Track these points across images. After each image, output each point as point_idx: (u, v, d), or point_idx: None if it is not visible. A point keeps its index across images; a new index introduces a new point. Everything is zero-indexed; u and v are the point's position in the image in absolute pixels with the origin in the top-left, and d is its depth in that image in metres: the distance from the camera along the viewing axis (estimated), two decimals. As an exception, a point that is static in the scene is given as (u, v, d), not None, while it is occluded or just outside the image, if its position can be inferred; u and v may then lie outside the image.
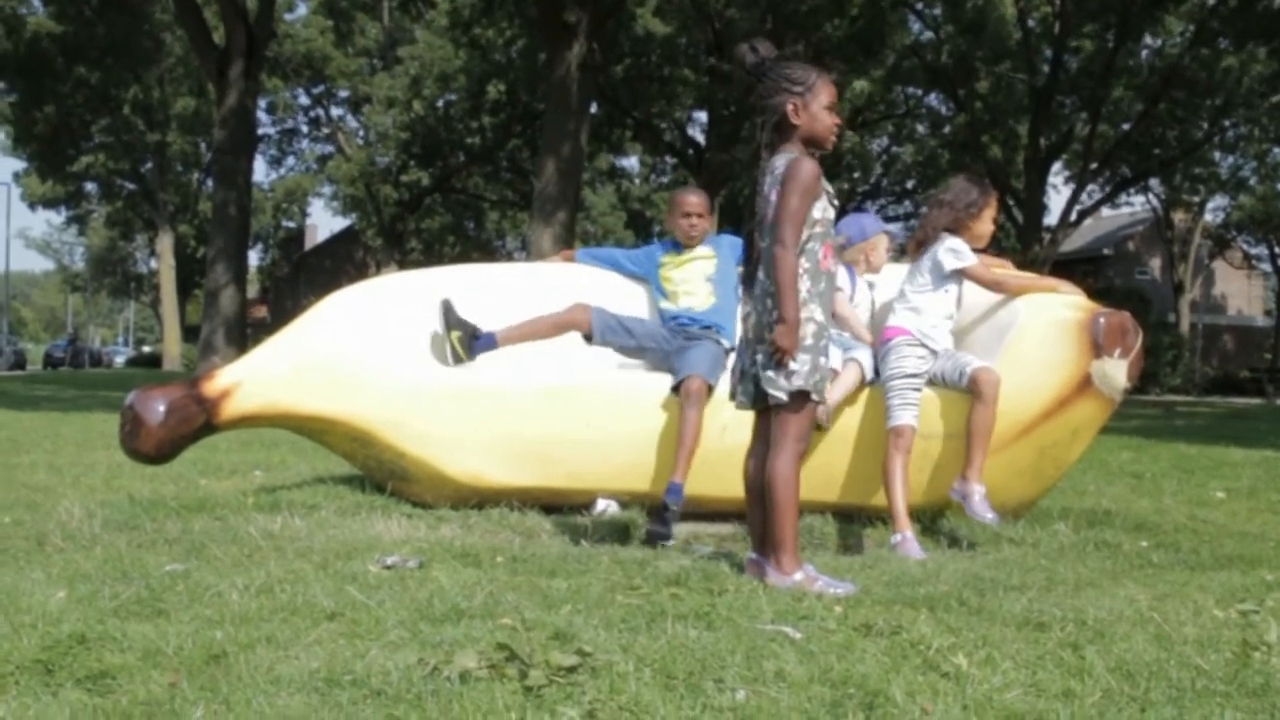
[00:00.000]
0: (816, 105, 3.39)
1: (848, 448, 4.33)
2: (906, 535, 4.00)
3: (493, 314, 4.97)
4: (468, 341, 4.49)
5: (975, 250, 4.44)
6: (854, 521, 4.39)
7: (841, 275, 4.79)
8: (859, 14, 24.70)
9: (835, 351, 4.37)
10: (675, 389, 4.29)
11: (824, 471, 4.28)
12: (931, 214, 4.51)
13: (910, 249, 4.59)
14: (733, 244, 4.94)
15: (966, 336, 4.62)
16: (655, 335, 4.67)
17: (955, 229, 4.40)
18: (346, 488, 4.77)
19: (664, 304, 4.87)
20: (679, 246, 4.96)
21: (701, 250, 4.91)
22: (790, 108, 3.38)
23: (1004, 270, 4.71)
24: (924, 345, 4.28)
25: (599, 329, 4.58)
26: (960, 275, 4.38)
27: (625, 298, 5.09)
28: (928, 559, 3.78)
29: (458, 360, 4.45)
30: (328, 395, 4.44)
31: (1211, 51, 26.39)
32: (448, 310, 4.51)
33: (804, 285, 3.31)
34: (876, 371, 4.45)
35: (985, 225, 4.45)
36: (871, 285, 4.95)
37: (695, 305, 4.78)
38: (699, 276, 4.84)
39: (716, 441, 4.31)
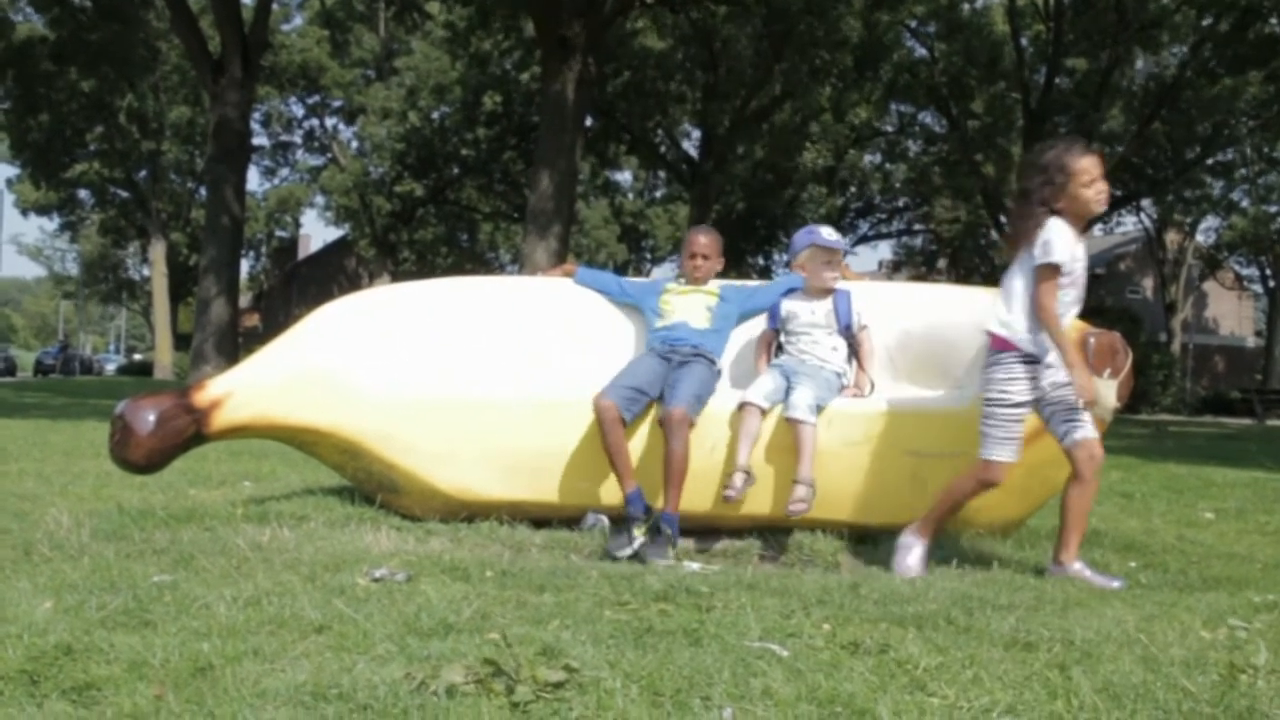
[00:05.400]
0: None
1: (840, 465, 4.32)
2: (924, 544, 3.93)
3: (485, 327, 4.97)
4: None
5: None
6: (844, 538, 4.38)
7: (796, 304, 4.71)
8: (854, 35, 24.82)
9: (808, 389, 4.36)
10: (662, 422, 4.27)
11: (820, 488, 4.27)
12: (1024, 187, 3.91)
13: (1007, 244, 4.07)
14: (739, 292, 4.94)
15: (958, 355, 4.62)
16: (659, 377, 4.48)
17: (1051, 202, 3.81)
18: (336, 499, 4.76)
19: (657, 323, 4.81)
20: (681, 284, 4.99)
21: (707, 287, 4.90)
22: None
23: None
24: (1035, 361, 3.84)
25: (626, 410, 4.29)
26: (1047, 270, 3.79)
27: (613, 316, 5.10)
28: (919, 576, 3.78)
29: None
30: (318, 407, 4.44)
31: (1205, 76, 26.54)
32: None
33: None
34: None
35: (1086, 194, 3.81)
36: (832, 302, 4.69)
37: (691, 323, 4.73)
38: (700, 305, 4.81)
39: (706, 459, 4.32)
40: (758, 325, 4.91)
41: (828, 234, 4.69)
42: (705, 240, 4.94)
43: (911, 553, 3.90)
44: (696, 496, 4.32)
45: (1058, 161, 3.80)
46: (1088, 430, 3.84)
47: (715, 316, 4.80)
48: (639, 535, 4.06)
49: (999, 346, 3.88)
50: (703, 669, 2.40)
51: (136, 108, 40.94)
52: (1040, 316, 3.78)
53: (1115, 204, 35.54)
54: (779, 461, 4.31)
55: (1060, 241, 3.75)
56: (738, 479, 4.17)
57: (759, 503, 4.36)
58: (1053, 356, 3.81)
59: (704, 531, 4.50)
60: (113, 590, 3.05)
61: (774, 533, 4.43)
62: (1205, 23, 24.57)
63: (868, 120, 34.01)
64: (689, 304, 4.83)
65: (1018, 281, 3.86)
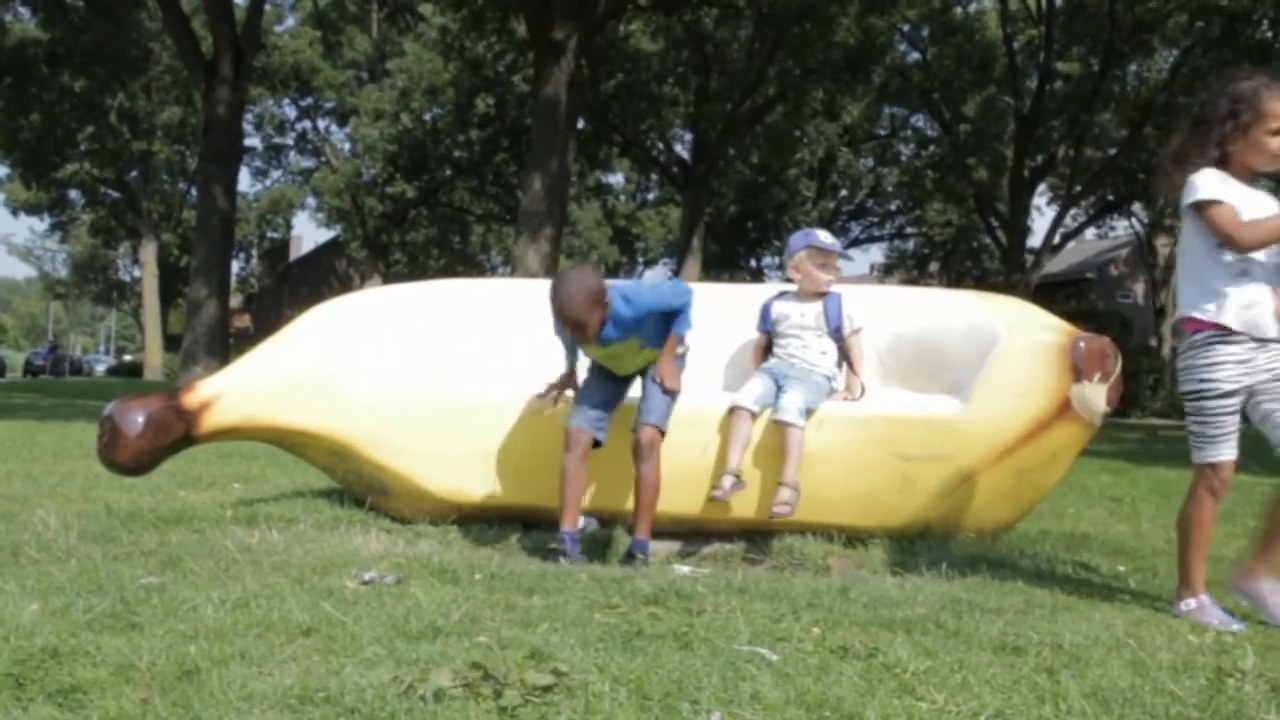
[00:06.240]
0: None
1: (831, 468, 4.32)
2: (1202, 600, 3.34)
3: (476, 329, 4.96)
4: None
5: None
6: (834, 541, 4.38)
7: (787, 304, 4.73)
8: (848, 35, 24.86)
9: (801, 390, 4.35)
10: (633, 447, 4.16)
11: (806, 492, 4.27)
12: (1203, 113, 3.36)
13: (1166, 175, 3.45)
14: (653, 313, 4.10)
15: (949, 359, 4.62)
16: (623, 387, 4.35)
17: (1226, 142, 3.28)
18: (325, 502, 4.75)
19: (605, 365, 4.33)
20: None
21: (619, 344, 4.14)
22: None
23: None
24: (1246, 339, 3.26)
25: (598, 431, 4.19)
26: (1202, 213, 3.25)
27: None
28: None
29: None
30: (308, 409, 4.43)
31: (1196, 81, 26.62)
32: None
33: None
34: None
35: (1269, 144, 3.23)
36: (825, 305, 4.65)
37: (637, 369, 4.31)
38: (626, 356, 4.24)
39: (698, 459, 4.31)
40: (751, 329, 4.91)
41: (824, 236, 4.71)
42: (578, 313, 3.91)
43: (1203, 613, 3.30)
44: (687, 498, 4.31)
45: (1252, 96, 3.24)
46: None
47: (642, 342, 4.18)
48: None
49: (1193, 328, 3.33)
50: (692, 673, 2.39)
51: (128, 108, 40.82)
52: (1240, 242, 3.18)
53: (1106, 208, 35.68)
54: (770, 465, 4.30)
55: (1207, 181, 3.24)
56: (726, 481, 4.17)
57: (749, 506, 4.36)
58: (1273, 329, 3.25)
59: (693, 534, 4.50)
60: (100, 592, 3.03)
61: (763, 536, 4.43)
62: (1198, 25, 24.62)
63: (859, 119, 34.07)
64: (618, 360, 4.27)
65: (1188, 251, 3.35)
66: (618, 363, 4.28)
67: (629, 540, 4.24)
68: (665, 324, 4.18)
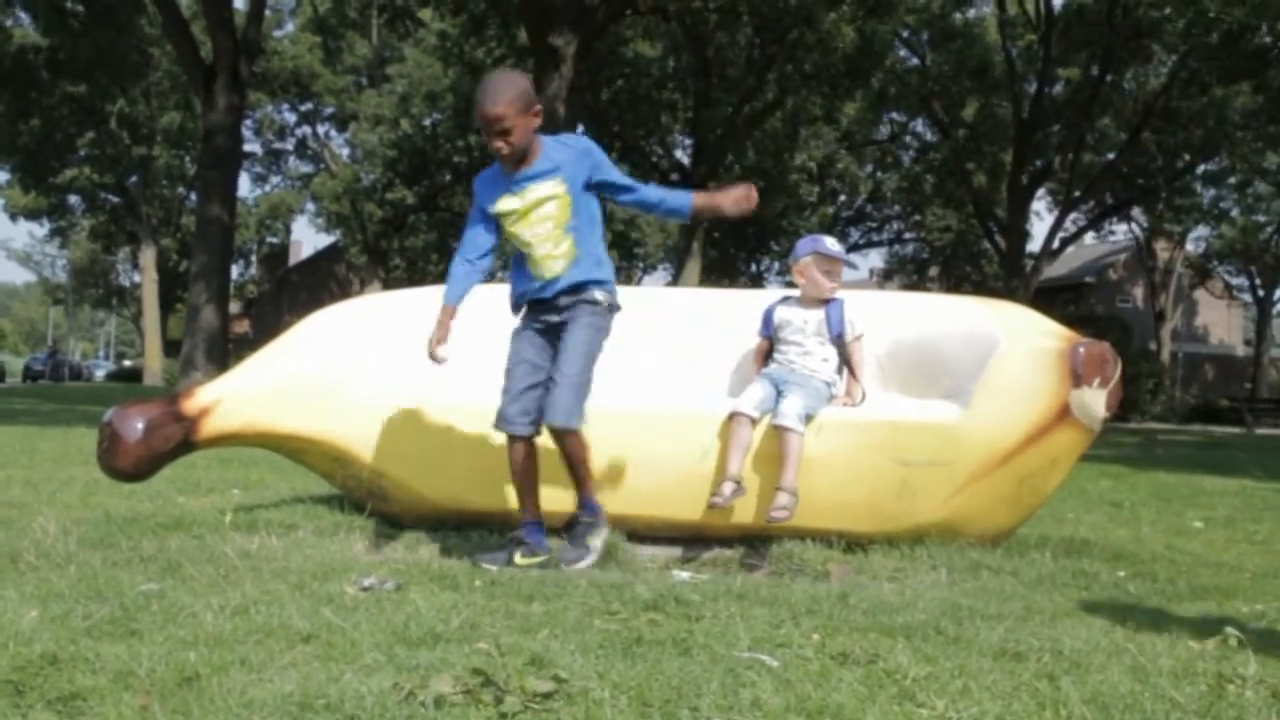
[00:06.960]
0: None
1: (830, 474, 4.31)
2: None
3: (476, 335, 4.96)
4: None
5: None
6: (833, 547, 4.38)
7: (788, 309, 4.73)
8: (846, 44, 24.91)
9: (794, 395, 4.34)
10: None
11: (806, 497, 4.27)
12: None
13: None
14: (585, 151, 3.80)
15: (945, 363, 4.62)
16: (545, 348, 3.95)
17: None
18: (325, 507, 4.74)
19: (527, 268, 3.92)
20: (510, 180, 3.81)
21: (544, 184, 3.74)
22: None
23: None
24: None
25: (533, 424, 3.90)
26: None
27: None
28: None
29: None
30: (308, 414, 4.43)
31: (1195, 86, 26.68)
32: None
33: None
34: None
35: None
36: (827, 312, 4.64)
37: (558, 270, 3.84)
38: (548, 224, 3.79)
39: (697, 465, 4.31)
40: (753, 335, 4.90)
41: (831, 243, 4.72)
42: (499, 107, 3.63)
43: None
44: (686, 505, 4.31)
45: None
46: None
47: (576, 230, 3.80)
48: (519, 560, 3.87)
49: None
50: (692, 679, 2.39)
51: (128, 113, 40.90)
52: None
53: (1105, 212, 35.74)
54: (770, 471, 4.30)
55: None
56: (726, 488, 4.17)
57: (749, 512, 4.35)
58: None
59: (693, 540, 4.50)
60: (99, 599, 3.03)
61: (763, 542, 4.43)
62: (1196, 31, 24.67)
63: (855, 122, 34.13)
64: (538, 233, 3.81)
65: None
66: (531, 230, 3.79)
67: (623, 541, 4.22)
68: (590, 182, 3.83)
